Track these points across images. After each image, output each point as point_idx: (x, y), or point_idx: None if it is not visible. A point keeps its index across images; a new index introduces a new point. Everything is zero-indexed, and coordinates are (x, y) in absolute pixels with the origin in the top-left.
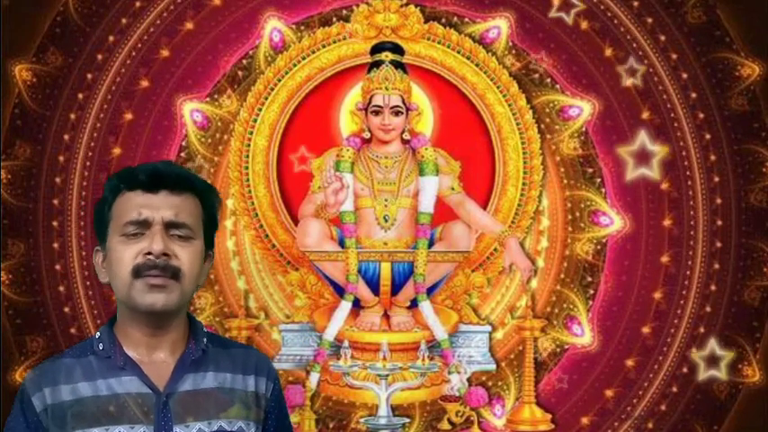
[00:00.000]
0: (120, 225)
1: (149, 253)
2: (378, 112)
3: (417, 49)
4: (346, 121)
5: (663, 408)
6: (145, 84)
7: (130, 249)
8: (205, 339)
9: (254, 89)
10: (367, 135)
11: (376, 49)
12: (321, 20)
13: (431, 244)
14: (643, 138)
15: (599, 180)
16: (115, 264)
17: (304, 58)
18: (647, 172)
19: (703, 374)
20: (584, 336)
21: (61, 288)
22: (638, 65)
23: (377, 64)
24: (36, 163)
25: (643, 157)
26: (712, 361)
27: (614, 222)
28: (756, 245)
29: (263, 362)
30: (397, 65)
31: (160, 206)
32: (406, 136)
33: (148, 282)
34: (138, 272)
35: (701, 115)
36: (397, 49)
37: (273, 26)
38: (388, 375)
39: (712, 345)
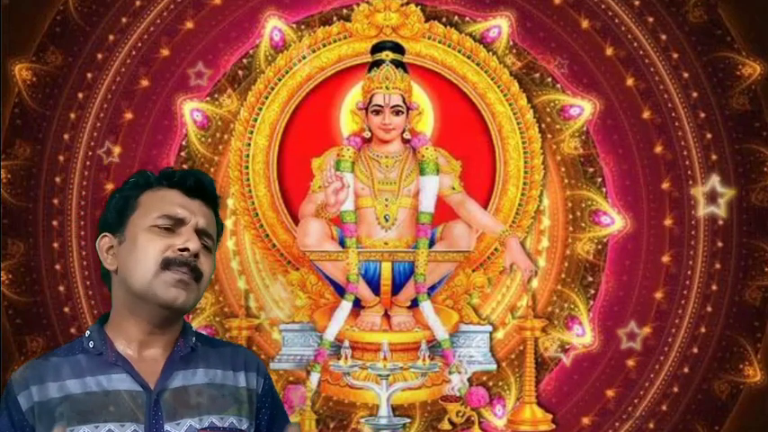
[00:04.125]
0: (152, 217)
1: (184, 249)
2: (378, 111)
3: (418, 49)
4: (347, 121)
5: (664, 408)
6: (145, 83)
7: (160, 242)
8: (194, 338)
9: (254, 88)
10: (367, 134)
11: (376, 49)
12: (321, 19)
13: (431, 244)
14: (714, 181)
15: (600, 179)
16: (140, 252)
17: (304, 58)
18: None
19: (704, 210)
20: (584, 336)
21: (61, 288)
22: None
23: (377, 63)
24: (36, 162)
25: (712, 197)
26: (712, 198)
27: (615, 222)
28: (757, 244)
29: (251, 358)
30: (398, 64)
31: (196, 212)
32: (407, 135)
33: (176, 276)
34: (167, 264)
35: (702, 115)
36: (398, 49)
37: (274, 25)
38: (388, 375)
39: (713, 181)
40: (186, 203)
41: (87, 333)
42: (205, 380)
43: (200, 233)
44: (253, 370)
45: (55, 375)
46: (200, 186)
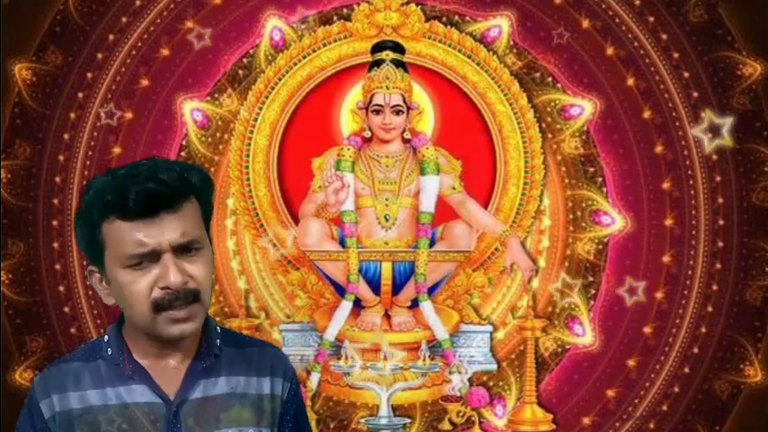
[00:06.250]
0: (121, 256)
1: (166, 287)
2: (378, 111)
3: (418, 48)
4: (347, 121)
5: (664, 408)
6: (145, 83)
7: (142, 281)
8: (218, 341)
9: (254, 88)
10: (368, 134)
11: (377, 48)
12: (322, 18)
13: (432, 243)
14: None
15: (600, 179)
16: (128, 296)
17: (305, 57)
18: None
19: (697, 131)
20: (585, 336)
21: (61, 288)
22: None
23: (377, 63)
24: (36, 162)
25: (715, 129)
26: (715, 130)
27: (616, 222)
28: (758, 244)
29: (278, 361)
30: (398, 64)
31: (164, 230)
32: (407, 135)
33: (172, 316)
34: (159, 306)
35: (703, 114)
36: (398, 48)
37: (274, 25)
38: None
39: (726, 122)
40: (148, 230)
41: (106, 337)
42: (226, 389)
43: (177, 249)
44: (279, 375)
45: (75, 384)
46: (154, 199)
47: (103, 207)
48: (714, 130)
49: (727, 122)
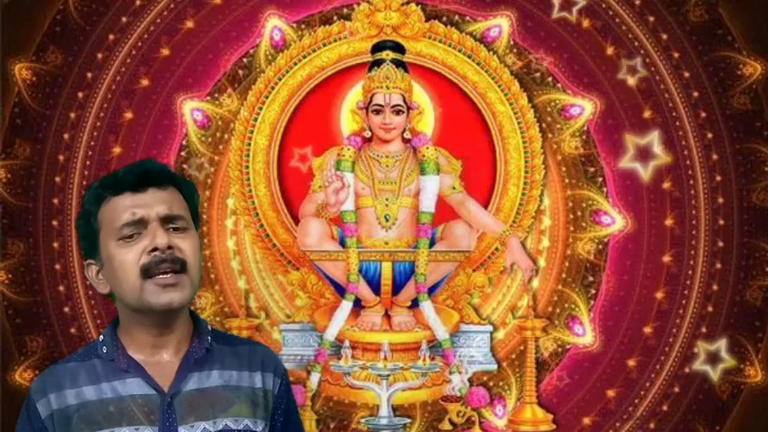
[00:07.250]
0: (115, 230)
1: (154, 249)
2: (379, 110)
3: (418, 48)
4: (347, 120)
5: (665, 408)
6: (145, 82)
7: (132, 251)
8: (210, 338)
9: (254, 88)
10: (368, 134)
11: (377, 48)
12: (322, 18)
13: (432, 243)
14: (654, 138)
15: (600, 179)
16: (119, 269)
17: (305, 57)
18: (640, 169)
19: (698, 365)
20: (585, 336)
21: (61, 288)
22: (641, 68)
23: (378, 63)
24: (36, 162)
25: (644, 154)
26: (714, 357)
27: (616, 222)
28: (758, 244)
29: (269, 358)
30: (398, 63)
31: (152, 203)
32: (407, 135)
33: (159, 282)
34: (147, 271)
35: (703, 114)
36: (398, 48)
37: (274, 24)
38: (389, 375)
39: (720, 345)
40: (138, 202)
41: (101, 337)
42: (220, 382)
43: (165, 221)
44: (270, 370)
45: (72, 382)
46: (143, 175)
47: (100, 189)
48: (713, 358)
49: (721, 344)
